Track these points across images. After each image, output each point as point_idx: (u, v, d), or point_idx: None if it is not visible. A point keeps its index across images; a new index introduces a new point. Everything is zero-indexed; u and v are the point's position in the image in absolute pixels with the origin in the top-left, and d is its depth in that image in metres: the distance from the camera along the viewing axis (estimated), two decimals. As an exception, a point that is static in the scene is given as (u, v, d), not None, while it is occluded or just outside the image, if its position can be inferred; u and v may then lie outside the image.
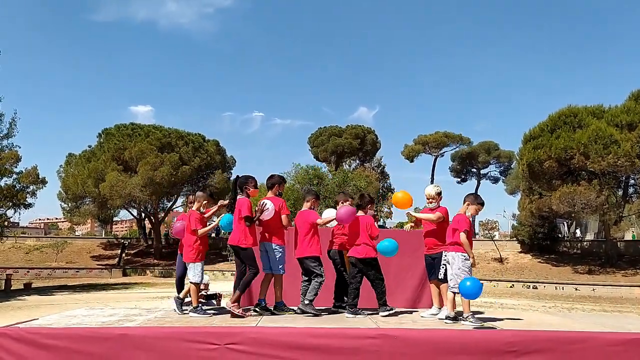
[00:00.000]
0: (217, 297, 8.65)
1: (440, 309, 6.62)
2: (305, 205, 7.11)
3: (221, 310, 6.97)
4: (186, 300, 7.03)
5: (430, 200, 6.71)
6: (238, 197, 6.63)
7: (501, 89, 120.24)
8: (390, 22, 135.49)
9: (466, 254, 6.05)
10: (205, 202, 7.06)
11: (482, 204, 6.41)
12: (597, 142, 29.32)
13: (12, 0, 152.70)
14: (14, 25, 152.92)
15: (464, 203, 6.42)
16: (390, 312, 6.64)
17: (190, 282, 6.64)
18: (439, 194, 6.71)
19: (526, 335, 5.10)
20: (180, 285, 7.23)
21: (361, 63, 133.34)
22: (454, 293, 6.05)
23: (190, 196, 7.27)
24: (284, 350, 4.90)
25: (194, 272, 6.62)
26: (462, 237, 6.04)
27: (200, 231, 6.76)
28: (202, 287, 8.12)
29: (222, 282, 28.05)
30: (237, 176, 6.88)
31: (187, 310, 6.73)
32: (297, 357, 4.88)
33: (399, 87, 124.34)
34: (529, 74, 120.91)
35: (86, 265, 41.94)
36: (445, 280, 6.30)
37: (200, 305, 6.84)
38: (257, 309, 6.69)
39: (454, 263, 6.10)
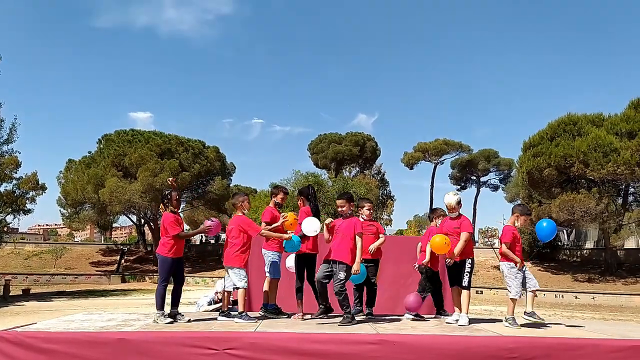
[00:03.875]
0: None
1: (460, 314, 6.61)
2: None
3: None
4: (212, 307, 6.94)
5: (451, 210, 6.71)
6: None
7: (501, 97, 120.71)
8: (389, 30, 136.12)
9: (511, 263, 6.36)
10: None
11: (528, 214, 6.64)
12: (596, 150, 29.37)
13: (13, 6, 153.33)
14: (15, 30, 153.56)
15: (512, 214, 6.62)
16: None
17: (237, 287, 6.44)
18: (459, 202, 6.69)
19: (526, 341, 5.08)
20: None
21: (360, 70, 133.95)
22: (512, 299, 6.35)
23: (172, 192, 6.70)
24: (282, 355, 4.87)
25: (240, 277, 6.43)
26: (503, 248, 6.40)
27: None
28: (222, 295, 8.08)
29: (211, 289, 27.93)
30: (310, 186, 7.29)
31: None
32: (296, 362, 4.85)
33: (398, 95, 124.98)
34: (529, 82, 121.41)
35: (85, 272, 41.94)
36: (467, 287, 6.50)
37: (228, 311, 6.73)
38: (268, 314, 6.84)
39: (504, 272, 6.47)
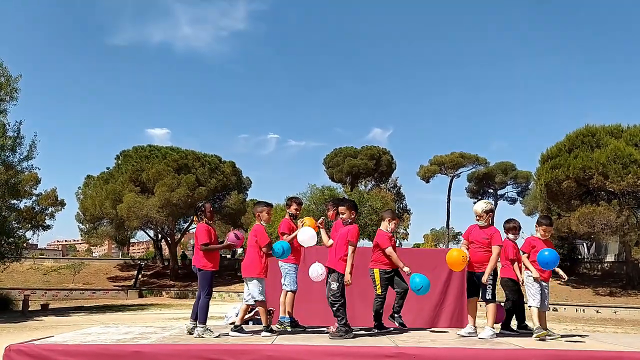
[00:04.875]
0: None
1: (475, 328, 6.47)
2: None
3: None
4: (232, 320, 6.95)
5: (478, 217, 6.56)
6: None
7: (517, 109, 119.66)
8: (403, 44, 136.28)
9: (528, 271, 6.37)
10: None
11: (545, 224, 6.61)
12: (615, 162, 28.98)
13: (31, 24, 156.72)
14: (33, 48, 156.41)
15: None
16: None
17: (256, 301, 6.36)
18: (487, 211, 6.53)
19: (549, 354, 4.97)
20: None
21: (374, 85, 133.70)
22: (536, 308, 6.24)
23: (206, 203, 6.79)
24: (299, 368, 4.83)
25: (260, 289, 6.34)
26: (522, 257, 6.49)
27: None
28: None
29: (238, 303, 27.88)
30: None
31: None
32: (313, 375, 4.80)
33: (413, 108, 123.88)
34: (546, 94, 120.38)
35: (103, 287, 42.11)
36: (493, 300, 6.32)
37: (241, 325, 6.62)
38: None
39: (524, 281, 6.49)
